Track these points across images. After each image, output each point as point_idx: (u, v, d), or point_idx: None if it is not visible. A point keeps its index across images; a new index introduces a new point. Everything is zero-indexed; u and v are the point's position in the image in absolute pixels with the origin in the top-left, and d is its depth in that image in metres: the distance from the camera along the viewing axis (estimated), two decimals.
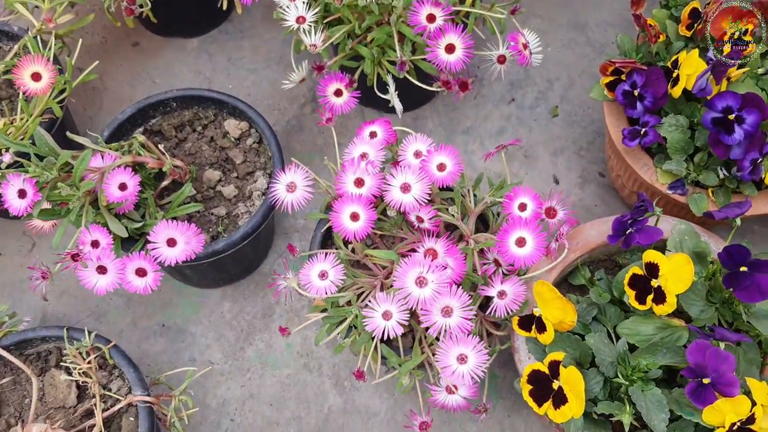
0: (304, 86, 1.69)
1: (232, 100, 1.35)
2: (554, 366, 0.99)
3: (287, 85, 1.32)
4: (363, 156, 1.16)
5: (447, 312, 1.02)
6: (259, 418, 1.38)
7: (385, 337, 1.03)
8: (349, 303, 1.13)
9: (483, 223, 1.25)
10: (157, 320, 1.46)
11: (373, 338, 1.13)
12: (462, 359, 1.02)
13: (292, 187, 1.16)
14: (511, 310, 1.07)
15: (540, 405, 0.99)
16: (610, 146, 1.40)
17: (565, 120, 1.65)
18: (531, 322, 1.07)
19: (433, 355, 1.12)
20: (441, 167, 1.14)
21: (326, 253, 1.10)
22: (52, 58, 1.31)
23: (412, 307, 1.01)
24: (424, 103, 1.65)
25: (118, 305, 1.47)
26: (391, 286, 1.08)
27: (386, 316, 1.03)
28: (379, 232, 1.20)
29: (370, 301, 1.04)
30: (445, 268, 1.02)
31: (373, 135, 1.19)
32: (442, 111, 1.66)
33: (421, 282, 1.01)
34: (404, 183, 1.11)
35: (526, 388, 1.01)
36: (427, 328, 1.12)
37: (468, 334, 1.02)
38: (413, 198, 1.11)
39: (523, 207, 1.09)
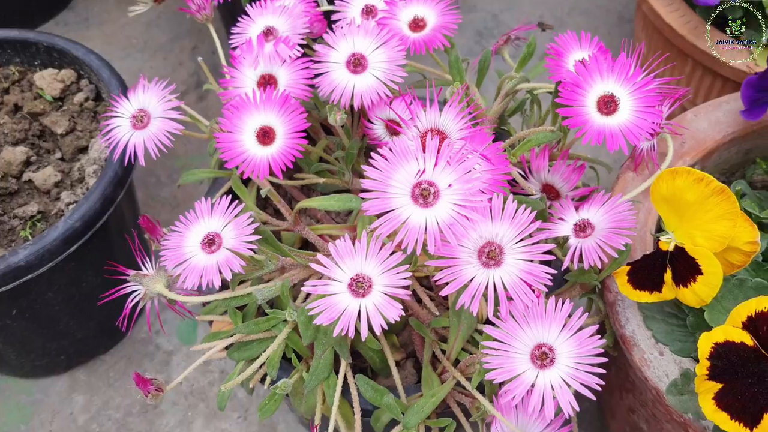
0: (184, 71, 1.17)
1: (47, 38, 0.81)
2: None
3: (136, 10, 0.78)
4: (268, 33, 0.62)
5: (491, 254, 0.45)
6: None
7: (363, 334, 0.45)
8: (270, 305, 0.56)
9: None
10: None
11: (336, 370, 0.54)
12: (542, 356, 0.45)
13: (142, 117, 0.61)
14: (603, 255, 0.52)
15: None
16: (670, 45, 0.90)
17: None
18: (660, 268, 0.51)
19: (467, 378, 0.54)
20: (417, 24, 0.61)
21: (212, 201, 0.53)
22: None
23: (413, 251, 0.44)
24: None
25: None
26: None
27: (357, 286, 0.46)
28: (319, 181, 0.64)
29: (322, 264, 0.47)
30: (462, 161, 0.46)
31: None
32: None
33: (425, 193, 0.44)
34: (354, 54, 0.57)
35: (708, 405, 0.43)
36: (436, 337, 0.55)
37: (541, 297, 0.46)
38: (374, 78, 0.57)
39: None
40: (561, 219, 0.55)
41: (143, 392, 0.54)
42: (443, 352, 0.56)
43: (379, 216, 0.44)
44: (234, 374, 0.56)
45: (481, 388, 0.53)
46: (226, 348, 0.58)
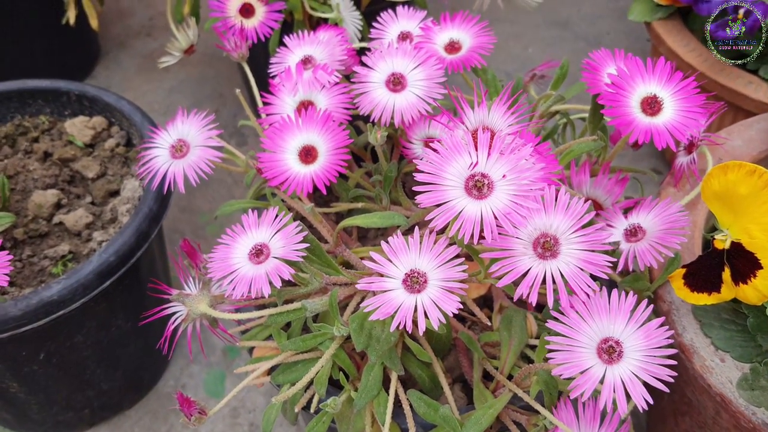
0: None
1: (79, 86, 0.82)
2: None
3: (166, 61, 0.80)
4: (306, 62, 0.64)
5: (546, 245, 0.44)
6: None
7: (421, 327, 0.43)
8: (315, 318, 0.54)
9: None
10: None
11: (384, 387, 0.52)
12: (609, 350, 0.43)
13: (181, 147, 0.61)
14: (658, 256, 0.51)
15: None
16: None
17: None
18: (717, 268, 0.50)
19: (525, 391, 0.52)
20: (452, 47, 0.62)
21: (260, 211, 0.53)
22: None
23: (474, 239, 0.43)
24: None
25: None
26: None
27: (412, 282, 0.45)
28: (357, 206, 0.64)
29: (374, 261, 0.46)
30: (515, 151, 0.46)
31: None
32: None
33: (479, 184, 0.44)
34: (393, 73, 0.58)
35: None
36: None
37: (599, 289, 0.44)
38: (414, 95, 0.57)
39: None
40: (610, 226, 0.54)
41: (186, 415, 0.51)
42: (495, 368, 0.54)
43: (433, 203, 0.44)
44: (275, 404, 0.54)
45: (538, 401, 0.51)
46: (269, 373, 0.56)
